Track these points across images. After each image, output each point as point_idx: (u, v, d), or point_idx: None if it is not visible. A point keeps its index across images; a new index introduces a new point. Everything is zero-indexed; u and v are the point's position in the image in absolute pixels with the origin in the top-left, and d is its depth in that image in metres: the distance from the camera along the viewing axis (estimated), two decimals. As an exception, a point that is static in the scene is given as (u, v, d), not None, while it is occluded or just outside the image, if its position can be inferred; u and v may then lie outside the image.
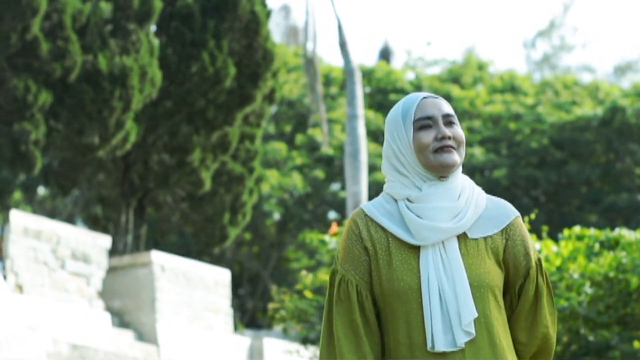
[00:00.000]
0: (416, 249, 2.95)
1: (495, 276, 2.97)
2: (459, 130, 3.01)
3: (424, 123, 2.99)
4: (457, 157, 2.98)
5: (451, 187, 2.99)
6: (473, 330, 2.88)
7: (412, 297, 2.91)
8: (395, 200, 3.02)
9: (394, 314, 2.93)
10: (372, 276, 2.99)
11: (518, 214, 3.06)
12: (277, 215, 29.99)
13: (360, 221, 3.03)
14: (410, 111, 3.01)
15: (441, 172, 2.97)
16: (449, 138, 2.97)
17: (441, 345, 2.86)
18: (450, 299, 2.89)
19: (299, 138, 32.29)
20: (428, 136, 2.98)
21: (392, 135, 3.03)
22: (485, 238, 2.98)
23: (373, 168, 29.07)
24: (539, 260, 3.06)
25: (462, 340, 2.87)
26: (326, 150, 31.44)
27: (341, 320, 2.96)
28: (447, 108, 3.02)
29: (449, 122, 3.01)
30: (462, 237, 2.97)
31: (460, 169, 3.03)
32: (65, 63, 17.58)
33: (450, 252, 2.93)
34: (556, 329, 3.05)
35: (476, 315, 2.88)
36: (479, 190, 3.04)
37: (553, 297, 3.05)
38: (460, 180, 3.02)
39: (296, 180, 30.15)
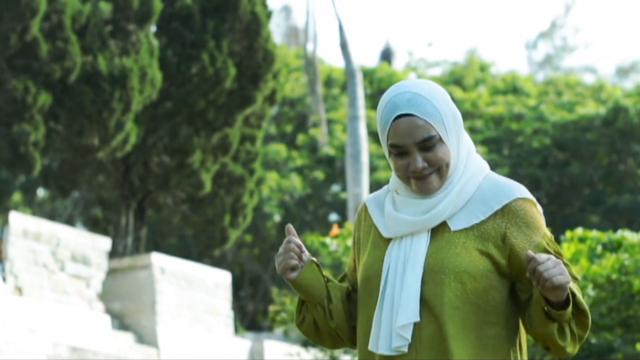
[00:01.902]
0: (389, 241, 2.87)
1: (470, 262, 2.74)
2: (437, 153, 2.77)
3: (397, 150, 2.78)
4: (434, 182, 2.78)
5: None
6: (408, 336, 2.71)
7: (375, 285, 2.81)
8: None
9: (362, 301, 2.86)
10: (357, 263, 2.97)
11: (521, 195, 2.80)
12: (277, 217, 29.93)
13: (361, 211, 3.01)
14: (385, 130, 2.80)
15: (419, 194, 2.84)
16: (423, 169, 2.76)
17: (384, 348, 2.74)
18: (398, 298, 2.75)
19: (300, 138, 32.28)
20: (402, 163, 2.79)
21: (380, 139, 2.90)
22: (467, 227, 2.79)
23: (374, 169, 29.01)
24: (552, 244, 2.82)
25: (395, 344, 2.72)
26: (328, 150, 31.41)
27: None
28: (422, 132, 2.75)
29: (424, 147, 2.77)
30: (441, 229, 2.80)
31: (455, 165, 2.83)
32: (64, 64, 17.54)
33: (416, 246, 2.78)
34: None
35: (416, 319, 2.70)
36: (469, 176, 2.83)
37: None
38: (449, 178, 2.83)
39: (295, 182, 30.11)
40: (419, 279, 2.74)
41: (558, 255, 2.77)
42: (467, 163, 2.85)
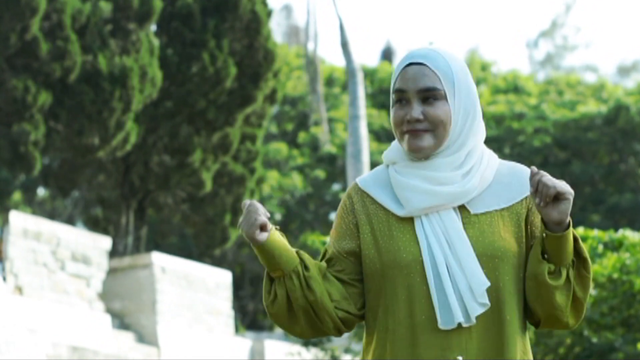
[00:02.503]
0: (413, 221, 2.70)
1: (514, 245, 2.67)
2: (437, 109, 2.66)
3: (398, 97, 2.69)
4: (426, 141, 2.66)
5: (440, 162, 2.69)
6: (487, 301, 2.60)
7: (415, 270, 2.64)
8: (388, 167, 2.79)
9: (395, 290, 2.66)
10: (364, 251, 2.74)
11: None
12: (278, 216, 29.88)
13: (355, 195, 2.81)
14: (394, 79, 2.73)
15: (412, 155, 2.70)
16: (418, 121, 2.66)
17: (459, 317, 2.59)
18: (456, 271, 2.61)
19: (302, 136, 32.28)
20: (399, 113, 2.70)
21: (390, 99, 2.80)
22: (500, 210, 2.69)
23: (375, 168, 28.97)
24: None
25: (476, 312, 2.60)
26: (329, 148, 31.42)
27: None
28: (427, 80, 2.66)
29: (426, 99, 2.67)
30: (463, 212, 2.68)
31: (462, 142, 2.71)
32: (64, 63, 17.50)
33: (449, 222, 2.64)
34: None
35: (488, 284, 2.59)
36: (487, 160, 2.73)
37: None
38: (461, 154, 2.70)
39: (296, 181, 30.09)
40: (471, 250, 2.62)
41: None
42: (484, 149, 2.76)
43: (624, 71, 53.40)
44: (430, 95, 2.67)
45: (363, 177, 2.84)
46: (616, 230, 9.84)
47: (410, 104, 2.68)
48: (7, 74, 17.47)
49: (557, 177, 2.70)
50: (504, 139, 33.05)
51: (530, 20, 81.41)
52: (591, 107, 33.51)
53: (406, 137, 2.69)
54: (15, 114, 17.50)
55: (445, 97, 2.68)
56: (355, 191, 2.82)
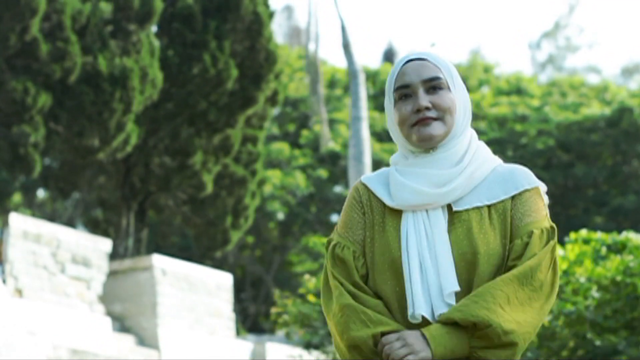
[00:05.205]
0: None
1: (497, 242, 2.72)
2: (443, 97, 2.75)
3: (402, 92, 2.77)
4: (437, 129, 2.73)
5: (442, 157, 2.76)
6: (453, 302, 2.66)
7: (399, 265, 2.74)
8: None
9: (388, 282, 2.75)
10: (366, 245, 2.82)
11: (532, 184, 2.77)
12: (280, 215, 29.82)
13: (361, 189, 2.89)
14: (392, 78, 2.80)
15: (422, 145, 2.75)
16: (427, 109, 2.73)
17: (423, 311, 2.65)
18: (430, 269, 2.68)
19: (304, 134, 32.26)
20: (406, 108, 2.76)
21: (385, 104, 2.86)
22: (487, 206, 2.74)
23: (377, 169, 28.91)
24: (551, 228, 2.76)
25: (441, 310, 2.66)
26: (333, 146, 31.40)
27: (343, 282, 2.78)
28: (430, 71, 2.75)
29: (431, 88, 2.75)
30: (451, 210, 2.74)
31: (462, 136, 2.77)
32: (64, 64, 17.45)
33: (434, 221, 2.72)
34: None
35: (458, 288, 2.66)
36: (483, 160, 2.79)
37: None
38: (460, 148, 2.76)
39: (299, 180, 30.05)
40: (449, 252, 2.69)
41: (549, 232, 2.74)
42: (478, 148, 2.81)
43: (627, 72, 53.32)
44: (434, 85, 2.76)
45: (367, 175, 2.92)
46: (619, 232, 9.82)
47: (415, 95, 2.76)
48: (6, 75, 17.41)
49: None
50: (506, 141, 33.01)
51: (532, 21, 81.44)
52: (594, 109, 33.45)
53: (415, 127, 2.76)
54: (15, 115, 17.45)
55: (448, 87, 2.77)
56: (361, 186, 2.90)
